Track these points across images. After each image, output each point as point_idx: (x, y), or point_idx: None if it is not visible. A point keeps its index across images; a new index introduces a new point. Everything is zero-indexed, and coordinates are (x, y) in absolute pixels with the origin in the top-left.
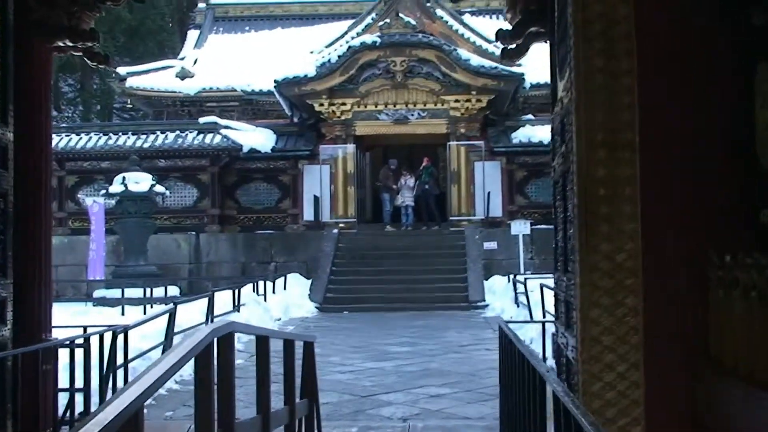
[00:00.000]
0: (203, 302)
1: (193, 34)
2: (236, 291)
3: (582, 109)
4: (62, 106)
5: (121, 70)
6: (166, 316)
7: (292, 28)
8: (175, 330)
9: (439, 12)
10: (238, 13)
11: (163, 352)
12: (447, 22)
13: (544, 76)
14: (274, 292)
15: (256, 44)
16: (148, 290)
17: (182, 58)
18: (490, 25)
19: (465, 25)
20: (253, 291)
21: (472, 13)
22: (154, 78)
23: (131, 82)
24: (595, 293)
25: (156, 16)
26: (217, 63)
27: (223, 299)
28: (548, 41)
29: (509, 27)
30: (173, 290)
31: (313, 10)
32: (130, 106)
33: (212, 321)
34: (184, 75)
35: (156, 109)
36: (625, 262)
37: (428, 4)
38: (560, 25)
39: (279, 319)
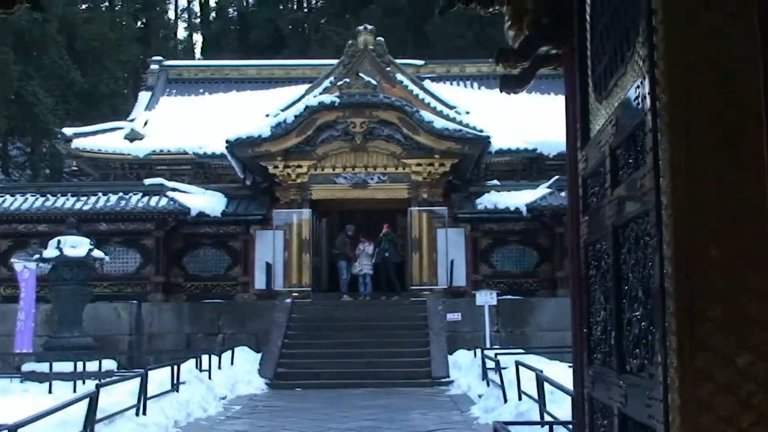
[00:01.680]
0: (136, 382)
1: (144, 96)
2: (175, 368)
3: (683, 117)
4: (10, 170)
5: (68, 131)
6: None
7: (248, 92)
8: (100, 416)
9: (399, 76)
10: (192, 75)
11: None
12: (407, 87)
13: (508, 142)
14: (220, 367)
15: (210, 107)
16: (83, 364)
17: (132, 120)
18: (450, 92)
19: (425, 90)
20: (196, 367)
21: (432, 79)
22: (101, 139)
23: (78, 143)
24: (704, 418)
25: (110, 80)
26: (168, 125)
27: (161, 377)
28: (573, 49)
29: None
30: (110, 364)
31: (269, 74)
32: (78, 170)
33: (145, 404)
34: (133, 137)
35: (103, 172)
36: (753, 368)
37: (388, 69)
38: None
39: (224, 398)
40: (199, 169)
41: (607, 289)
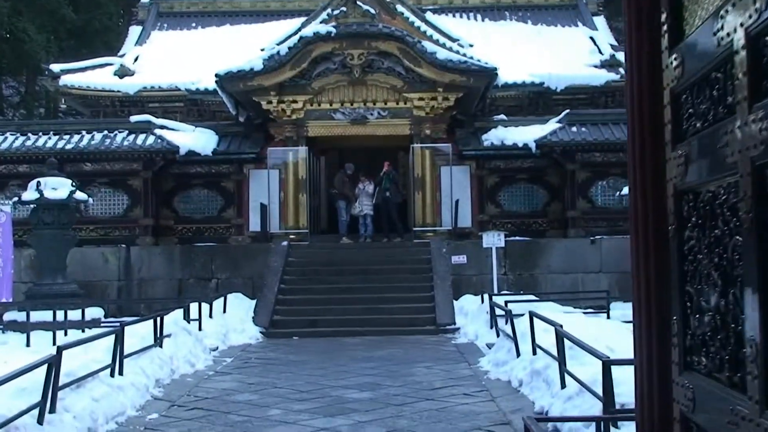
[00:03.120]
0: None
1: (135, 31)
2: (158, 320)
3: None
4: (5, 110)
5: (55, 67)
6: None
7: (242, 25)
8: (67, 380)
9: (399, 7)
10: (183, 9)
11: (39, 416)
12: (408, 19)
13: (514, 76)
14: (211, 316)
15: (203, 41)
16: (64, 313)
17: (122, 55)
18: (453, 24)
19: (427, 22)
20: (184, 317)
21: (434, 11)
22: (90, 76)
23: (65, 79)
24: None
25: (102, 16)
26: (160, 61)
27: (144, 330)
28: None
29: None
30: (96, 312)
31: (264, 7)
32: (67, 108)
33: (121, 363)
34: (123, 73)
35: (93, 110)
36: None
37: (388, 0)
38: None
39: (216, 349)
40: (192, 106)
41: (727, 261)
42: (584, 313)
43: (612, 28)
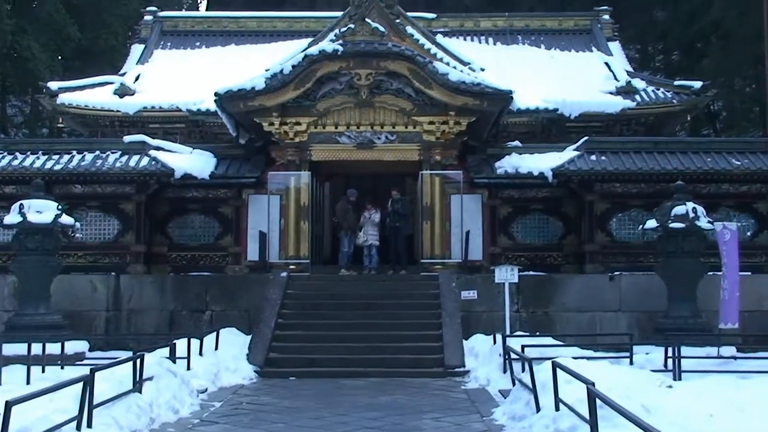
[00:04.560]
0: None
1: (137, 49)
2: (137, 362)
3: None
4: (8, 130)
5: (53, 85)
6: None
7: (248, 45)
8: None
9: (410, 29)
10: (188, 28)
11: None
12: (418, 40)
13: (526, 101)
14: (201, 353)
15: (207, 61)
16: (42, 347)
17: (123, 74)
18: (464, 47)
19: (437, 45)
20: (170, 355)
21: (445, 34)
22: (89, 94)
23: (64, 98)
24: None
25: (108, 35)
26: (162, 80)
27: (123, 372)
28: None
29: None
30: (79, 346)
31: (270, 26)
32: (66, 128)
33: (90, 414)
34: (123, 92)
35: (91, 130)
36: None
37: (397, 21)
38: None
39: (205, 390)
40: (193, 127)
41: None
42: (605, 358)
43: (627, 57)
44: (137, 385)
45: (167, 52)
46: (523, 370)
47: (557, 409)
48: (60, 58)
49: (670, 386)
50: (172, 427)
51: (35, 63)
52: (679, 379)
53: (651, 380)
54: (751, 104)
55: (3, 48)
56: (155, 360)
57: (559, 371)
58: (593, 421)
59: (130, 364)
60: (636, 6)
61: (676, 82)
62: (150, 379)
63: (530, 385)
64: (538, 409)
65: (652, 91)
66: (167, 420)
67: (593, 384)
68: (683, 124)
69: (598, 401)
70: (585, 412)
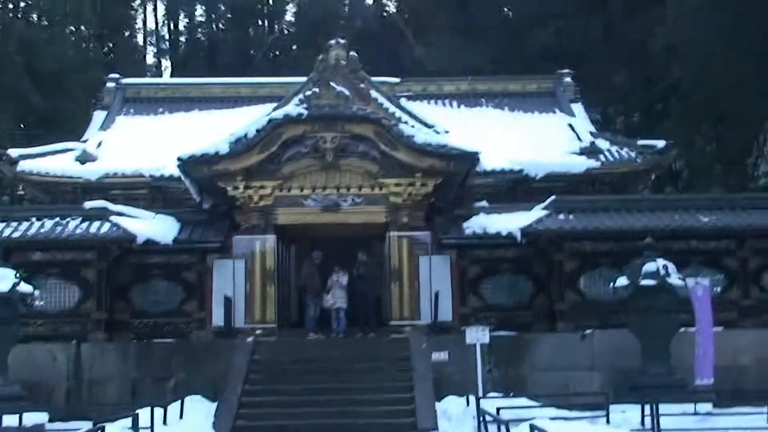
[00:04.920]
0: None
1: (99, 116)
2: None
3: None
4: None
5: (13, 152)
6: None
7: (212, 110)
8: None
9: (374, 93)
10: (151, 95)
11: None
12: (382, 104)
13: (492, 163)
14: (165, 422)
15: (170, 127)
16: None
17: (85, 141)
18: (428, 111)
19: (402, 108)
20: (132, 427)
21: (409, 98)
22: (50, 161)
23: (24, 165)
24: None
25: (72, 104)
26: (124, 146)
27: None
28: None
29: None
30: (38, 417)
31: (234, 92)
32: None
33: None
34: (85, 159)
35: (53, 197)
36: None
37: (362, 86)
38: None
39: None
40: (157, 193)
41: None
42: (581, 418)
43: (589, 119)
44: None
45: (130, 119)
46: None
47: None
48: (22, 126)
49: None
50: None
51: None
52: None
53: None
54: (711, 163)
55: None
56: (118, 430)
57: None
58: None
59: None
60: (596, 69)
61: (640, 142)
62: None
63: None
64: None
65: (616, 150)
66: None
67: None
68: (647, 183)
69: None
70: None
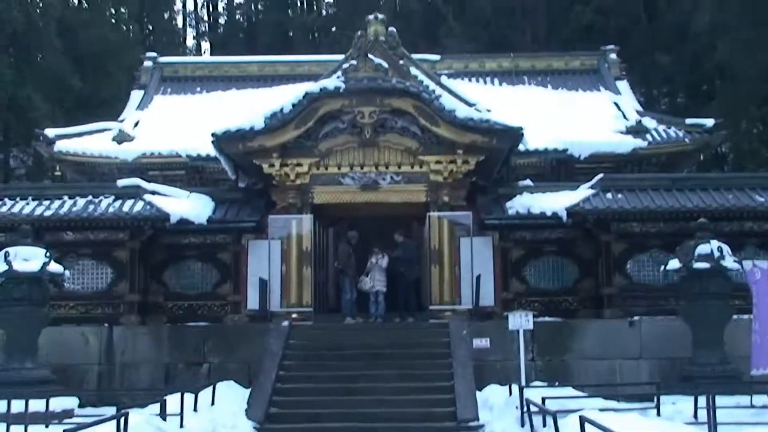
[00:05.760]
0: None
1: (136, 95)
2: (121, 420)
3: None
4: (11, 181)
5: (50, 132)
6: None
7: (249, 90)
8: None
9: (414, 70)
10: (188, 73)
11: None
12: (422, 82)
13: (535, 142)
14: (196, 409)
15: (208, 106)
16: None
17: (122, 121)
18: (469, 89)
19: (442, 86)
20: (160, 413)
21: (449, 76)
22: (87, 142)
23: (61, 145)
24: None
25: (111, 86)
26: (161, 126)
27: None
28: None
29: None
30: (68, 402)
31: (272, 71)
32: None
33: None
34: (122, 138)
35: (89, 178)
36: None
37: (401, 62)
38: None
39: None
40: (194, 173)
41: None
42: (630, 409)
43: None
44: None
45: (167, 98)
46: (544, 425)
47: None
48: (62, 108)
49: None
50: None
51: (36, 113)
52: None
53: None
54: (758, 146)
55: (4, 98)
56: (143, 418)
57: (588, 427)
58: None
59: (114, 423)
60: (640, 49)
61: (688, 121)
62: None
63: None
64: None
65: (663, 130)
66: None
67: None
68: (693, 165)
69: None
70: None
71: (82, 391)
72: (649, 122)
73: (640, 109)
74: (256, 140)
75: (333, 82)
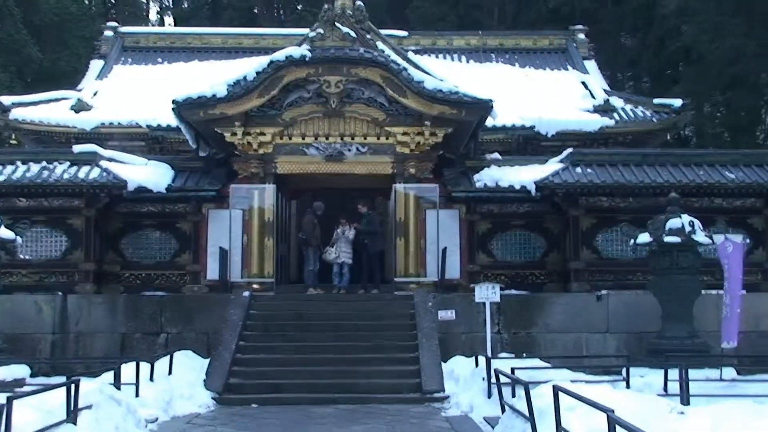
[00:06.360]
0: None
1: (96, 65)
2: (72, 387)
3: None
4: None
5: (5, 99)
6: None
7: (212, 61)
8: None
9: (381, 45)
10: (150, 44)
11: None
12: (389, 57)
13: (502, 119)
14: (152, 378)
15: (169, 77)
16: None
17: (80, 90)
18: (436, 65)
19: (410, 62)
20: (114, 382)
21: (417, 52)
22: (44, 110)
23: (17, 113)
24: None
25: (71, 57)
26: (121, 96)
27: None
28: None
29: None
30: (19, 371)
31: (236, 44)
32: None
33: None
34: (80, 108)
35: (46, 147)
36: None
37: (368, 37)
38: None
39: (155, 420)
40: (154, 144)
41: None
42: (600, 381)
43: (606, 76)
44: (71, 415)
45: (127, 68)
46: (513, 395)
47: None
48: (21, 80)
49: (682, 413)
50: None
51: None
52: (688, 404)
53: (660, 406)
54: (721, 129)
55: None
56: (96, 386)
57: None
58: None
59: (64, 391)
60: (605, 32)
61: (655, 101)
62: (89, 408)
63: (525, 413)
64: None
65: (631, 109)
66: None
67: (613, 411)
68: (658, 146)
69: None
70: None
71: (34, 360)
72: (617, 101)
73: (607, 88)
74: (218, 108)
75: (299, 50)
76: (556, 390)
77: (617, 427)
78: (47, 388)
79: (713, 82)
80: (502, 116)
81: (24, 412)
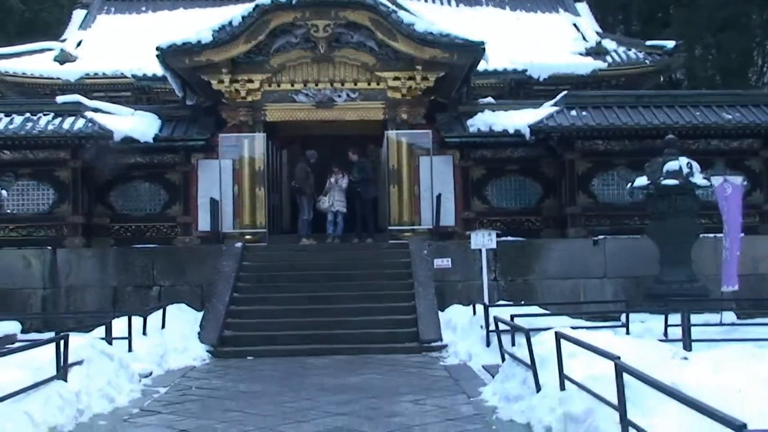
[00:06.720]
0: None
1: (79, 14)
2: (61, 343)
3: None
4: None
5: None
6: None
7: (197, 9)
8: None
9: None
10: None
11: None
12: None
13: (494, 63)
14: (145, 332)
15: (153, 26)
16: None
17: (64, 40)
18: (426, 10)
19: (398, 5)
20: (106, 336)
21: None
22: (27, 62)
23: (0, 65)
24: None
25: (54, 8)
26: (105, 46)
27: (47, 356)
28: None
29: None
30: (9, 327)
31: None
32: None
33: None
34: (64, 59)
35: (30, 98)
36: None
37: None
38: None
39: (149, 375)
40: (141, 94)
41: None
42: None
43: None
44: (61, 371)
45: (111, 17)
46: (513, 343)
47: (563, 388)
48: (3, 32)
49: (685, 358)
50: (105, 419)
51: None
52: (690, 349)
53: (662, 352)
54: (713, 72)
55: None
56: (87, 341)
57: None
58: (622, 403)
59: (53, 346)
60: None
61: (648, 43)
62: (79, 363)
63: (526, 361)
64: (538, 389)
65: (623, 51)
66: (100, 411)
67: (619, 358)
68: (651, 88)
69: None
70: (600, 391)
71: (24, 316)
72: (609, 44)
73: (599, 30)
74: (203, 54)
75: None
76: (559, 337)
77: (624, 373)
78: (35, 345)
79: (704, 25)
80: (493, 60)
81: (11, 370)
